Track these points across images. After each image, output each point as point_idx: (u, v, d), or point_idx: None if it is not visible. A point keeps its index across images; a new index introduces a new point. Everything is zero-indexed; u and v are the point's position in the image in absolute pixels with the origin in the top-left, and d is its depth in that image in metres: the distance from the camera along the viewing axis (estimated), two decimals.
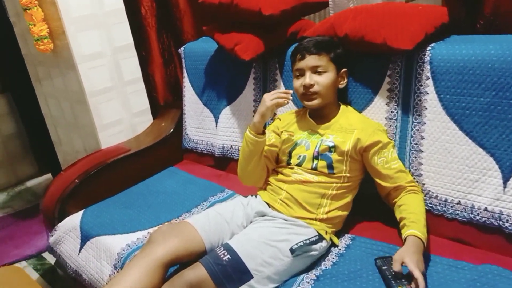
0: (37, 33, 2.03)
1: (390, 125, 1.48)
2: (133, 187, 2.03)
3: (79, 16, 2.01)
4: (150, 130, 2.31)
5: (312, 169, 1.45)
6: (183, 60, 2.16)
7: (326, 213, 1.41)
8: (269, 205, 1.47)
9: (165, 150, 2.22)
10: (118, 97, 2.20)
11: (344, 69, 1.49)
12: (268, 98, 1.45)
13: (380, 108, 1.50)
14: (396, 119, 1.47)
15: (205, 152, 2.15)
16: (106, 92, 2.15)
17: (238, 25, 1.78)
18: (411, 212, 1.33)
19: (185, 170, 2.12)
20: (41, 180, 3.47)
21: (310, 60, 1.43)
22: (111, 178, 2.00)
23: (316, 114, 1.51)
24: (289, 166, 1.50)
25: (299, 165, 1.48)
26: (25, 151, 3.46)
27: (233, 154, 2.01)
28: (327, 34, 1.53)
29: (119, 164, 2.04)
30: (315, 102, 1.45)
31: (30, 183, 3.43)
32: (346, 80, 1.51)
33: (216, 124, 2.05)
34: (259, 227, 1.38)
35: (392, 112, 1.47)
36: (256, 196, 1.54)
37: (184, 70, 2.17)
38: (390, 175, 1.39)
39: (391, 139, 1.44)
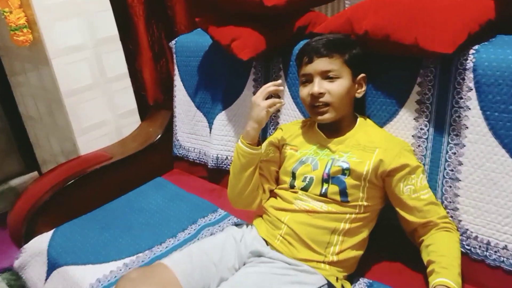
0: (14, 22, 1.74)
1: (419, 145, 1.20)
2: (114, 201, 1.76)
3: (53, 3, 1.73)
4: (137, 133, 2.04)
5: (320, 195, 1.18)
6: (174, 56, 1.88)
7: (337, 253, 1.14)
8: (267, 242, 1.20)
9: (153, 157, 1.95)
10: (100, 96, 1.93)
11: (362, 75, 1.21)
12: (261, 98, 1.20)
13: (406, 124, 1.22)
14: (426, 139, 1.18)
15: (198, 161, 1.88)
16: (86, 91, 1.88)
17: (236, 17, 1.50)
18: (442, 255, 1.07)
19: (174, 181, 1.86)
20: (27, 179, 3.22)
21: (320, 64, 1.15)
22: (89, 191, 1.74)
23: (327, 126, 1.23)
24: (291, 190, 1.23)
25: (304, 189, 1.20)
26: (10, 147, 3.20)
27: (228, 166, 1.72)
28: (342, 30, 1.25)
29: (98, 174, 1.77)
30: (326, 116, 1.17)
31: (15, 182, 3.18)
32: (364, 87, 1.22)
33: (210, 130, 1.78)
34: (254, 272, 1.11)
35: (421, 129, 1.19)
36: (251, 227, 1.27)
37: (175, 67, 1.89)
38: (418, 208, 1.12)
39: (420, 163, 1.16)
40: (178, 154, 1.95)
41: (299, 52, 1.23)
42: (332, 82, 1.16)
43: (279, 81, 1.25)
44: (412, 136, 1.21)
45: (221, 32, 1.51)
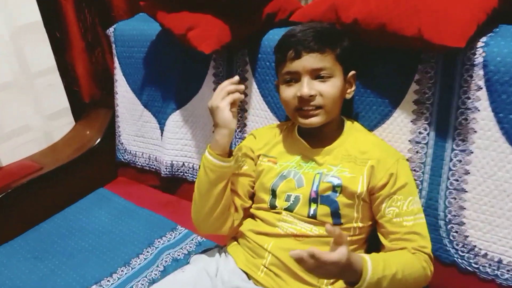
0: None
1: (417, 151, 1.05)
2: (48, 221, 1.48)
3: None
4: (71, 137, 1.73)
5: (309, 217, 0.99)
6: (113, 45, 1.60)
7: (332, 283, 0.97)
8: (249, 276, 1.00)
9: (93, 165, 1.67)
10: (23, 96, 1.61)
11: (353, 72, 1.03)
12: (219, 99, 0.99)
13: (402, 127, 1.06)
14: (426, 144, 1.03)
15: (147, 168, 1.63)
16: (4, 90, 1.55)
17: (190, 1, 1.26)
18: (386, 256, 0.92)
19: (121, 193, 1.59)
20: None
21: (309, 60, 0.96)
22: (15, 211, 1.45)
23: (311, 132, 1.04)
24: (273, 210, 1.04)
25: (289, 209, 1.01)
26: None
27: (186, 174, 1.51)
28: (324, 19, 1.06)
29: (26, 189, 1.47)
30: (315, 120, 0.98)
31: None
32: (354, 86, 1.05)
33: (162, 133, 1.53)
34: None
35: (420, 133, 1.04)
36: (226, 256, 1.07)
37: (115, 59, 1.61)
38: (396, 235, 0.95)
39: (413, 181, 1.01)
40: (123, 160, 1.69)
41: (280, 45, 1.02)
42: (323, 82, 0.97)
43: (236, 77, 1.02)
44: (409, 141, 1.05)
45: (173, 19, 1.26)
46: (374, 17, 0.97)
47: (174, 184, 1.55)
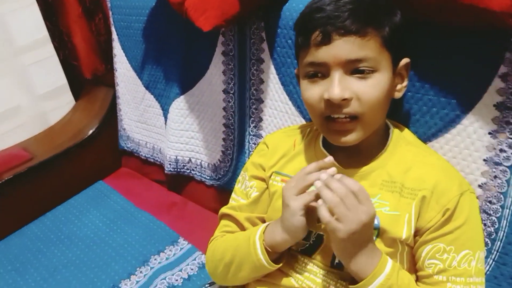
0: None
1: (496, 177, 0.73)
2: (35, 223, 1.29)
3: None
4: (68, 120, 1.50)
5: (333, 266, 0.72)
6: (110, 13, 1.33)
7: None
8: None
9: (93, 153, 1.44)
10: (8, 74, 1.37)
11: (406, 60, 0.71)
12: (293, 193, 0.68)
13: (474, 140, 0.74)
14: (510, 167, 0.72)
15: (151, 159, 1.38)
16: None
17: None
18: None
19: (121, 189, 1.37)
20: None
21: (344, 47, 0.64)
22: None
23: (343, 146, 0.74)
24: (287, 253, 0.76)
25: (306, 252, 0.74)
26: None
27: (192, 171, 1.25)
28: None
29: (12, 183, 1.27)
30: (350, 138, 0.69)
31: None
32: (406, 81, 0.73)
33: (165, 120, 1.27)
34: None
35: (502, 151, 0.72)
36: None
37: (113, 29, 1.34)
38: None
39: (477, 224, 0.71)
40: (126, 148, 1.45)
41: (301, 22, 0.70)
42: (363, 79, 0.66)
43: (330, 158, 0.69)
44: (484, 160, 0.74)
45: None
46: None
47: (181, 182, 1.31)
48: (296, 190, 0.68)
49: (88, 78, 1.54)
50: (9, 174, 1.28)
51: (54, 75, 1.49)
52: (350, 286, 0.65)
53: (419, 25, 0.72)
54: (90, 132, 1.43)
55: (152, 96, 1.29)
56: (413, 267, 0.71)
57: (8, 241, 1.22)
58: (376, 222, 0.68)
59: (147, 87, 1.30)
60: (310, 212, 0.68)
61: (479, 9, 0.62)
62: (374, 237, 0.69)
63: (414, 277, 0.71)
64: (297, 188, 0.67)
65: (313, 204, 0.66)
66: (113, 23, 1.32)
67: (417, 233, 0.68)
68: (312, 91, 0.69)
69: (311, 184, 0.67)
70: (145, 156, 1.40)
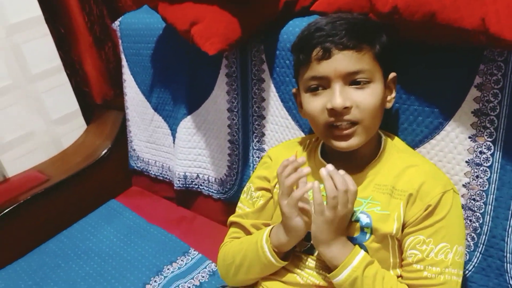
0: None
1: (478, 176, 0.81)
2: (52, 241, 1.36)
3: None
4: (81, 143, 1.59)
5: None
6: (120, 41, 1.42)
7: None
8: None
9: (104, 174, 1.52)
10: (23, 100, 1.47)
11: (393, 74, 0.80)
12: (283, 201, 0.77)
13: (456, 145, 0.83)
14: (490, 167, 0.80)
15: (161, 177, 1.46)
16: (3, 95, 1.41)
17: None
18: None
19: (133, 207, 1.44)
20: None
21: (343, 61, 0.73)
22: (18, 229, 1.33)
23: (339, 154, 0.82)
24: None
25: (309, 252, 0.82)
26: None
27: (200, 187, 1.33)
28: (355, 8, 0.82)
29: (30, 205, 1.35)
30: (354, 142, 0.76)
31: None
32: (394, 92, 0.82)
33: (174, 139, 1.36)
34: None
35: (482, 153, 0.80)
36: None
37: (123, 56, 1.44)
38: (409, 282, 0.75)
39: (458, 219, 0.78)
40: (136, 168, 1.53)
41: (302, 42, 0.79)
42: (361, 89, 0.74)
43: (301, 159, 0.77)
44: (466, 162, 0.82)
45: (175, 12, 1.07)
46: (420, 4, 0.73)
47: (189, 197, 1.38)
48: (285, 195, 0.76)
49: (98, 103, 1.64)
50: (27, 195, 1.35)
51: (67, 101, 1.58)
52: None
53: (404, 44, 0.81)
54: (102, 153, 1.52)
55: (160, 117, 1.38)
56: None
57: (28, 258, 1.29)
58: (368, 220, 0.76)
59: (155, 109, 1.38)
60: (305, 213, 0.76)
61: (455, 28, 0.71)
62: (368, 236, 0.76)
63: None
64: (284, 193, 0.76)
65: (304, 206, 0.76)
66: (123, 51, 1.42)
67: (403, 227, 0.76)
68: (315, 103, 0.77)
69: (293, 184, 0.76)
70: (154, 174, 1.47)
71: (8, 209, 1.30)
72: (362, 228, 0.76)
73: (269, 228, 0.83)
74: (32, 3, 1.42)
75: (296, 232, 0.77)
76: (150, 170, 1.48)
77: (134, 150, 1.51)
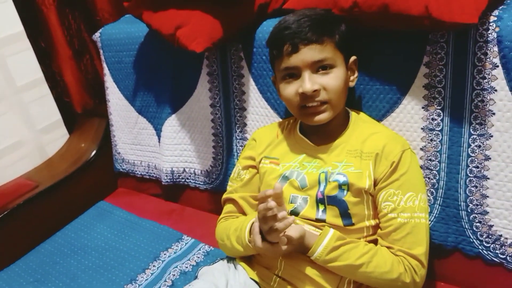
0: None
1: (432, 139, 0.97)
2: (48, 241, 1.42)
3: None
4: (65, 150, 1.66)
5: (317, 220, 0.92)
6: (101, 51, 1.52)
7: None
8: (261, 286, 0.94)
9: (91, 177, 1.60)
10: (11, 110, 1.53)
11: (354, 57, 0.96)
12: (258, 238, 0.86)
13: (413, 115, 0.99)
14: (441, 131, 0.96)
15: (147, 176, 1.56)
16: None
17: None
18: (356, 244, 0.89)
19: (122, 205, 1.53)
20: None
21: (308, 53, 0.88)
22: (13, 233, 1.38)
23: (314, 129, 0.97)
24: None
25: (294, 213, 0.95)
26: None
27: (187, 180, 1.44)
28: (321, 4, 0.98)
29: (23, 209, 1.40)
30: (323, 116, 0.91)
31: None
32: (356, 73, 0.98)
33: (159, 139, 1.46)
34: None
35: (433, 119, 0.96)
36: (236, 267, 1.00)
37: (104, 65, 1.53)
38: (385, 230, 0.90)
39: (417, 172, 0.94)
40: (121, 170, 1.62)
41: (274, 39, 0.94)
42: (326, 74, 0.89)
43: (276, 189, 0.80)
44: (422, 129, 0.98)
45: (160, 18, 1.19)
46: None
47: (176, 192, 1.49)
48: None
49: (79, 112, 1.72)
50: (19, 200, 1.41)
51: (50, 111, 1.66)
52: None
53: (363, 31, 0.97)
54: (87, 158, 1.60)
55: (145, 119, 1.48)
56: (376, 213, 0.93)
57: (26, 259, 1.34)
58: (345, 179, 0.90)
59: (139, 112, 1.49)
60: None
61: (404, 16, 0.87)
62: (345, 192, 0.90)
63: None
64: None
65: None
66: (105, 60, 1.52)
67: (375, 183, 0.90)
68: (289, 89, 0.92)
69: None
70: (140, 174, 1.57)
71: (2, 214, 1.35)
72: (340, 186, 0.90)
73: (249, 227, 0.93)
74: (15, 19, 1.50)
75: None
76: (136, 171, 1.58)
77: (119, 153, 1.60)
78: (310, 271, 0.89)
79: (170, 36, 1.16)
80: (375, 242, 0.93)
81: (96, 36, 1.52)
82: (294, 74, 0.91)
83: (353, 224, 0.92)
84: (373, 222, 0.93)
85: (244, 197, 1.04)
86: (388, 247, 0.89)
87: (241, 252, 0.97)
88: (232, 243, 0.97)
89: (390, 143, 0.91)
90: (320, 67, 0.89)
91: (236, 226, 0.98)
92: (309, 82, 0.88)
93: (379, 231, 0.92)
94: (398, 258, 0.87)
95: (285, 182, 0.96)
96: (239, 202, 1.04)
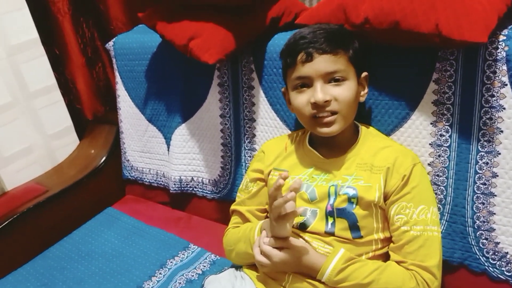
0: None
1: (440, 155, 0.98)
2: (56, 246, 1.43)
3: None
4: (75, 156, 1.69)
5: (326, 233, 0.93)
6: (114, 60, 1.55)
7: None
8: None
9: (100, 184, 1.61)
10: (23, 116, 1.55)
11: (365, 73, 0.97)
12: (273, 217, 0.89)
13: (421, 130, 1.00)
14: (449, 147, 0.97)
15: (155, 184, 1.57)
16: (4, 112, 1.50)
17: (190, 9, 1.21)
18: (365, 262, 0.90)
19: (129, 212, 1.54)
20: None
21: (322, 63, 0.90)
22: (21, 237, 1.39)
23: (324, 142, 0.99)
24: None
25: (302, 227, 0.96)
26: None
27: (195, 189, 1.45)
28: (333, 20, 1.00)
29: (32, 214, 1.42)
30: (334, 128, 0.92)
31: None
32: (367, 89, 0.99)
33: (168, 148, 1.48)
34: None
35: (441, 135, 0.97)
36: (242, 276, 1.01)
37: (117, 74, 1.56)
38: (398, 243, 0.91)
39: (426, 185, 0.96)
40: (130, 177, 1.64)
41: (289, 48, 0.96)
42: (338, 85, 0.91)
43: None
44: (430, 144, 0.99)
45: (174, 29, 1.21)
46: (386, 14, 0.91)
47: (184, 200, 1.50)
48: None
49: (89, 119, 1.75)
50: (28, 204, 1.43)
51: (61, 117, 1.68)
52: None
53: (374, 46, 0.98)
54: (96, 165, 1.61)
55: (155, 127, 1.50)
56: (387, 227, 0.94)
57: (33, 263, 1.36)
58: (354, 192, 0.91)
59: (150, 120, 1.51)
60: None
61: (415, 33, 0.89)
62: (354, 205, 0.91)
63: (389, 236, 0.93)
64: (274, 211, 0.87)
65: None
66: (117, 68, 1.54)
67: (386, 197, 0.91)
68: (301, 99, 0.94)
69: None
70: (149, 181, 1.58)
71: (12, 218, 1.37)
72: (349, 199, 0.91)
73: (259, 225, 0.97)
74: (30, 26, 1.53)
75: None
76: (144, 178, 1.59)
77: (128, 160, 1.62)
78: (318, 284, 0.90)
79: (183, 46, 1.18)
80: (385, 255, 0.94)
81: (110, 45, 1.54)
82: (306, 84, 0.92)
83: (362, 237, 0.92)
84: (381, 235, 0.93)
85: (251, 210, 1.06)
86: (400, 262, 0.89)
87: (248, 256, 0.97)
88: (240, 246, 0.99)
89: (401, 157, 0.92)
90: (333, 79, 0.90)
91: (245, 228, 1.01)
92: (321, 92, 0.89)
93: (391, 245, 0.93)
94: (410, 273, 0.87)
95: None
96: (246, 215, 1.06)
